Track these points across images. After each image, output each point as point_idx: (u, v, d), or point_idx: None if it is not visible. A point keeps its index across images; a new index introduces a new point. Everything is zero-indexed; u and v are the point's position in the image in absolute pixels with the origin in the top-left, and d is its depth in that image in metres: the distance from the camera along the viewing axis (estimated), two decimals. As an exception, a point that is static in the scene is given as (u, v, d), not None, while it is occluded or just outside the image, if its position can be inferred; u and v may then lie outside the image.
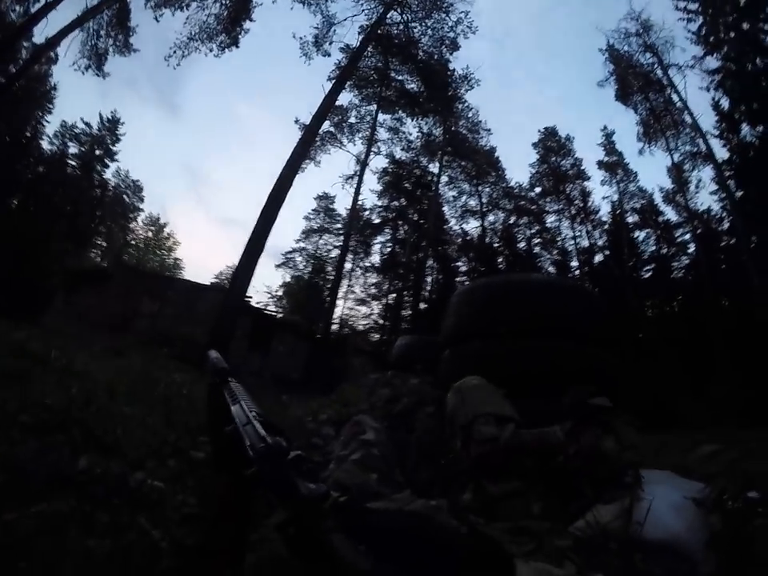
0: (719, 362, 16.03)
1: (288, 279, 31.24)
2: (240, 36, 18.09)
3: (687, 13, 19.71)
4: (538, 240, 28.27)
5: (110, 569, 0.83)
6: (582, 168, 27.39)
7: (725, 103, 18.64)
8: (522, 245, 28.42)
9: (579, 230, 26.75)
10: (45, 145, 27.41)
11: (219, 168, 65.67)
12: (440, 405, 1.98)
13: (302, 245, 31.29)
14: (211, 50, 17.94)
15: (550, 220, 27.86)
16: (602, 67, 29.34)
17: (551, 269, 26.45)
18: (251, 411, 0.74)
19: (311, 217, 31.81)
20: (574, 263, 26.74)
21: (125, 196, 33.01)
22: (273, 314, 23.96)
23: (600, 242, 26.12)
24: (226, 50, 18.13)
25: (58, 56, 21.81)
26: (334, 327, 25.69)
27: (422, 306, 26.21)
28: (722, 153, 18.74)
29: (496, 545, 0.66)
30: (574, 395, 1.97)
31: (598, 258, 25.89)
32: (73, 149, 28.29)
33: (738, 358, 15.65)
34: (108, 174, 29.99)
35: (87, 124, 28.69)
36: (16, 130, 24.89)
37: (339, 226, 30.42)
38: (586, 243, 26.53)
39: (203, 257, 72.73)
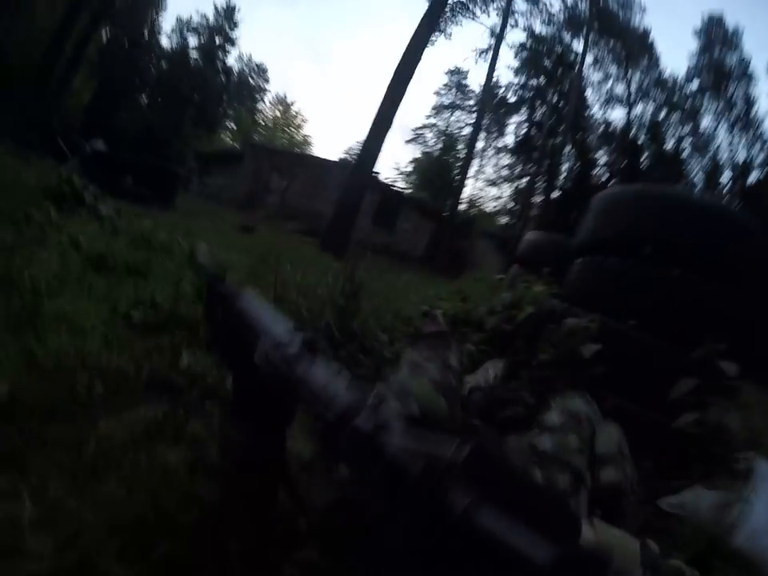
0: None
1: (417, 155, 30.55)
2: None
3: None
4: (689, 142, 23.84)
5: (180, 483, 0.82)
6: (749, 70, 21.59)
7: None
8: (669, 144, 24.18)
9: (737, 140, 21.95)
10: (164, 41, 28.23)
11: (344, 44, 62.41)
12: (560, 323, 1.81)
13: (433, 121, 30.11)
14: None
15: (705, 122, 23.11)
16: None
17: (699, 178, 22.46)
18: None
19: (442, 92, 30.08)
20: (725, 177, 22.47)
21: (250, 78, 33.49)
22: (400, 190, 23.81)
23: (760, 159, 21.28)
24: None
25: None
26: (462, 207, 25.04)
27: (555, 194, 24.32)
28: None
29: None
30: (703, 352, 1.67)
31: (754, 175, 21.28)
32: (193, 41, 28.82)
33: None
34: (231, 60, 30.37)
35: (203, 16, 28.83)
36: (135, 32, 25.75)
37: (472, 102, 28.54)
38: (742, 156, 21.82)
39: (332, 133, 72.92)
